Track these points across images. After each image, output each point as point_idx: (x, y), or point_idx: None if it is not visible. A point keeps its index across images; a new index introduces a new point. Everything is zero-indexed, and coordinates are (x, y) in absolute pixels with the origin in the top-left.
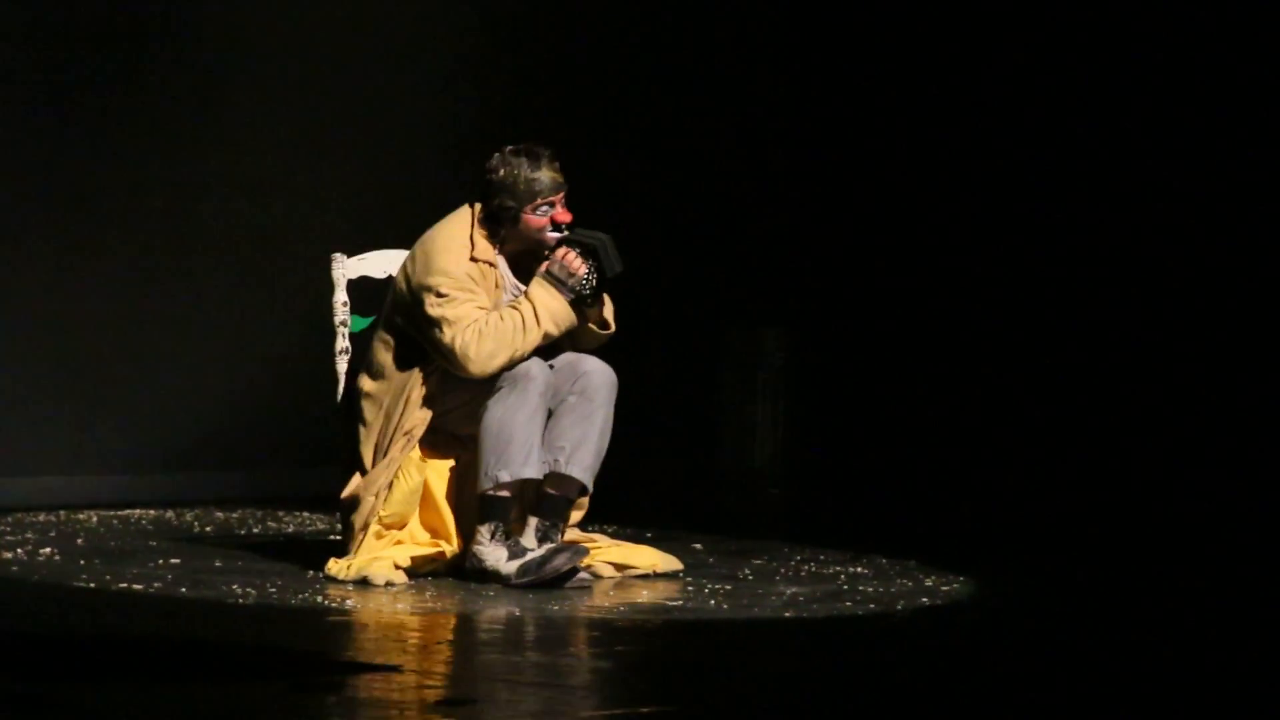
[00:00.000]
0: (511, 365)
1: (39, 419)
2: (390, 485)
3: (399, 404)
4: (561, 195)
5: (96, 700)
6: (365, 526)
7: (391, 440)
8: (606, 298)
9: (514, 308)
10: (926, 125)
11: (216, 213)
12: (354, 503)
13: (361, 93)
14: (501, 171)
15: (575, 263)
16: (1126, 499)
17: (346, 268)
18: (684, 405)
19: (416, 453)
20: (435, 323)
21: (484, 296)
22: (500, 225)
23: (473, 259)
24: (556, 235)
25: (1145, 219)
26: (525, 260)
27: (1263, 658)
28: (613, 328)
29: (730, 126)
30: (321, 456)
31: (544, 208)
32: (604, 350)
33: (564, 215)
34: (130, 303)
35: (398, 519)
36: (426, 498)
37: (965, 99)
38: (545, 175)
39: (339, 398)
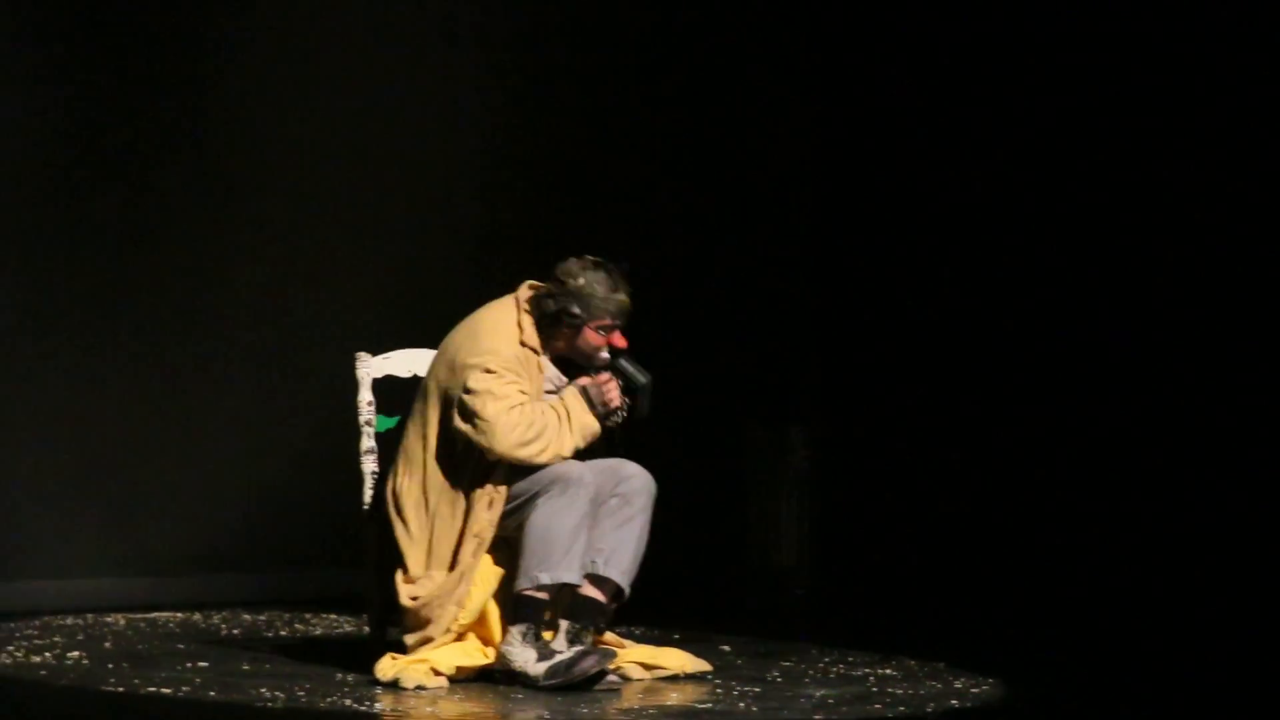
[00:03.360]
0: (530, 463)
1: (65, 521)
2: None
3: (456, 507)
4: (624, 320)
5: None
6: (447, 631)
7: (459, 545)
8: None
9: (553, 408)
10: (952, 218)
11: (240, 312)
12: (425, 610)
13: (387, 192)
14: (581, 280)
15: (613, 394)
16: (1161, 596)
17: (371, 367)
18: (709, 504)
19: (484, 558)
20: (477, 394)
21: (528, 383)
22: (555, 327)
23: (521, 343)
24: (606, 358)
25: (1198, 297)
26: (563, 364)
27: None
28: (619, 450)
29: (757, 220)
30: (348, 557)
31: (605, 329)
32: (633, 448)
33: (621, 341)
34: (155, 404)
35: (473, 627)
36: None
37: (991, 193)
38: (619, 298)
39: (366, 498)
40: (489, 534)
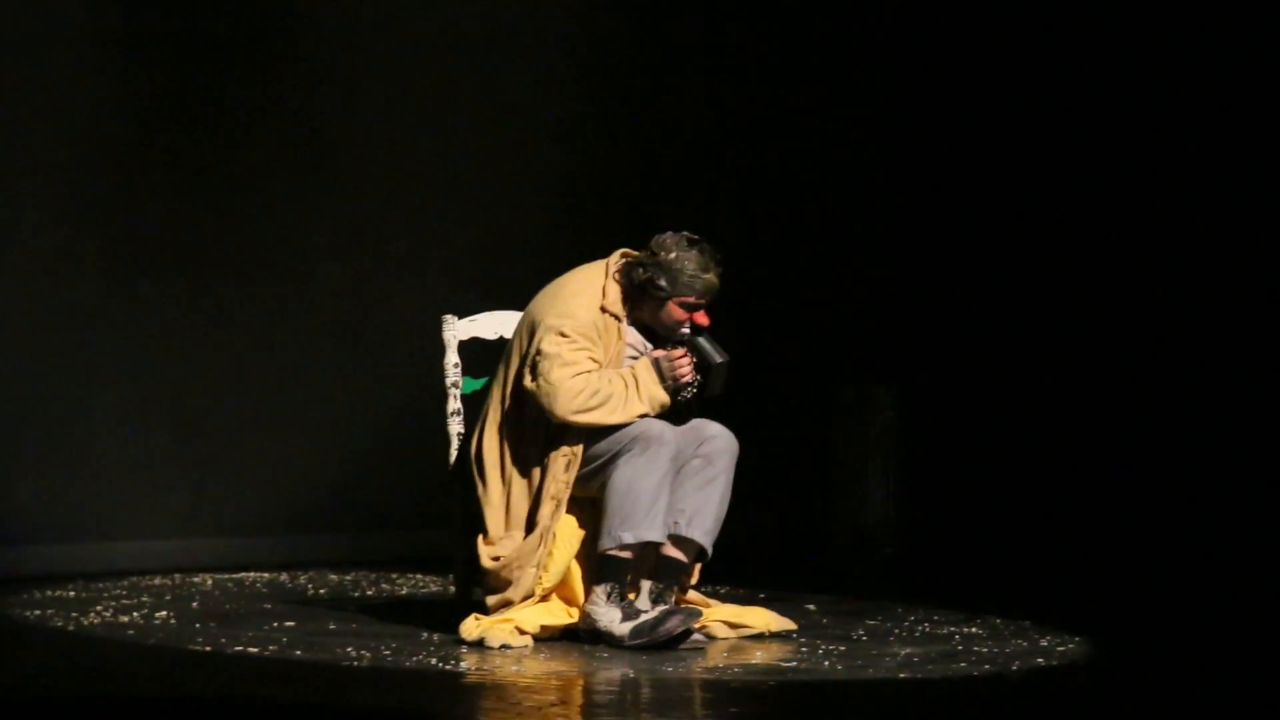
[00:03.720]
0: (596, 426)
1: (154, 482)
2: (551, 555)
3: (534, 469)
4: (709, 299)
5: None
6: (528, 596)
7: (537, 506)
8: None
9: (621, 376)
10: (1039, 186)
11: (329, 276)
12: (505, 572)
13: (474, 156)
14: (673, 254)
15: (685, 369)
16: (1247, 561)
17: (457, 329)
18: (796, 464)
19: (565, 518)
20: (546, 356)
21: (600, 350)
22: (641, 297)
23: (602, 309)
24: (686, 333)
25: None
26: (648, 333)
27: None
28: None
29: (847, 183)
30: (434, 518)
31: (689, 305)
32: (718, 408)
33: (703, 319)
34: (244, 366)
35: (557, 578)
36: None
37: (1080, 158)
38: (708, 278)
39: (452, 460)
40: (566, 494)
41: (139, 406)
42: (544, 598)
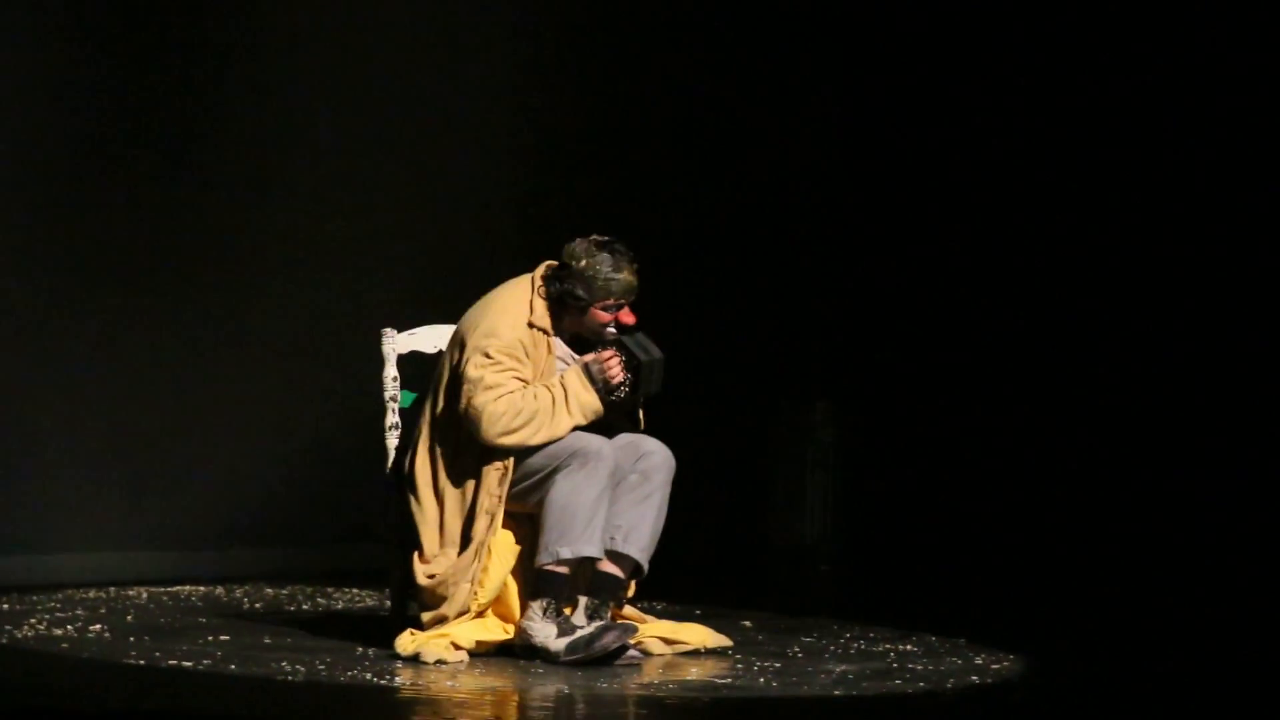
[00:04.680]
0: (525, 446)
1: (90, 494)
2: (485, 570)
3: (467, 483)
4: (630, 299)
5: None
6: (464, 613)
7: (471, 521)
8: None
9: (548, 389)
10: (980, 197)
11: (266, 288)
12: (440, 588)
13: (415, 170)
14: (584, 262)
15: (615, 370)
16: (1183, 577)
17: (396, 342)
18: (734, 480)
19: (501, 534)
20: (472, 381)
21: (528, 368)
22: (563, 308)
23: (530, 324)
24: (613, 333)
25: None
26: (580, 343)
27: None
28: (641, 427)
29: (789, 200)
30: (370, 533)
31: (611, 308)
32: (656, 423)
33: (628, 317)
34: (181, 378)
35: (492, 604)
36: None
37: (1024, 174)
38: (623, 278)
39: (388, 473)
40: (500, 509)
41: (75, 418)
42: (480, 613)
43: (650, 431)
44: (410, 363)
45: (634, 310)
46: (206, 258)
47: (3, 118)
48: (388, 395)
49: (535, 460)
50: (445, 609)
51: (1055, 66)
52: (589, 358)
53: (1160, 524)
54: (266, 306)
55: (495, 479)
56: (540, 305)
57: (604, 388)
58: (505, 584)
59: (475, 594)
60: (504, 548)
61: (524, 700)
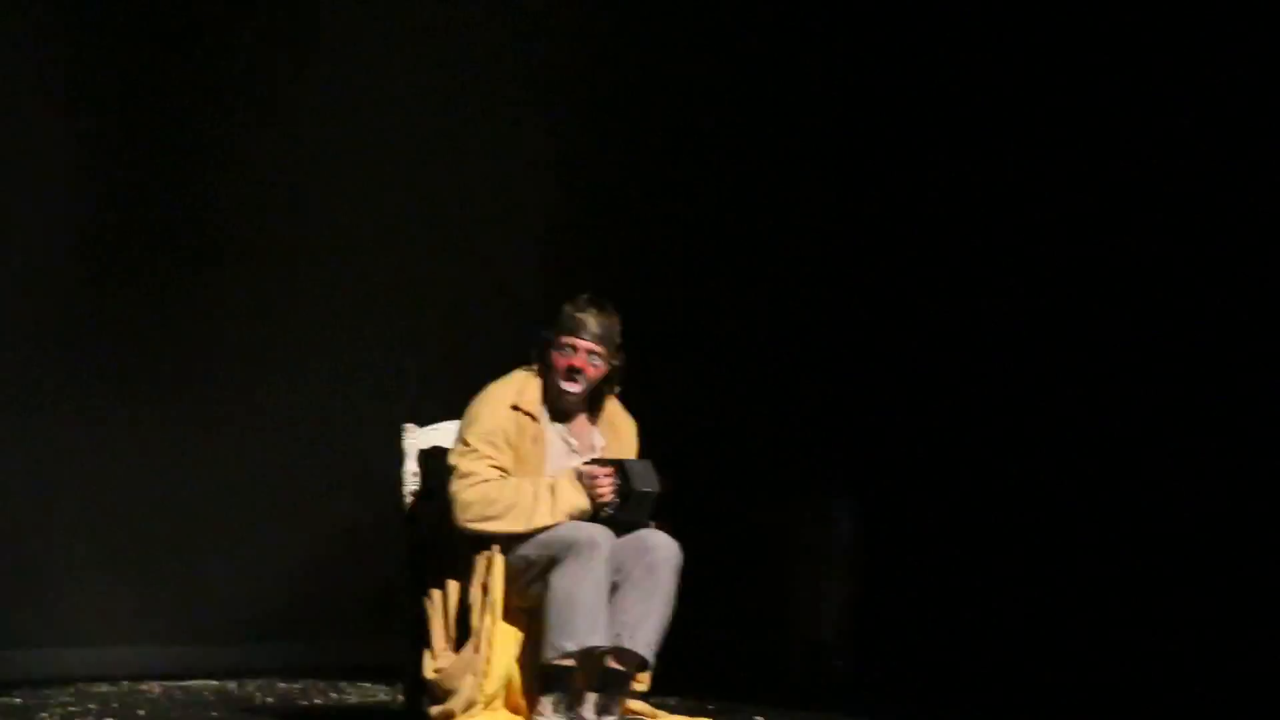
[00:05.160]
0: (499, 535)
1: (103, 588)
2: (488, 653)
3: (476, 577)
4: (590, 348)
5: None
6: (470, 706)
7: (477, 616)
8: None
9: (532, 484)
10: (992, 292)
11: (284, 381)
12: (446, 682)
13: (431, 263)
14: (560, 314)
15: (604, 488)
16: (1217, 667)
17: (417, 438)
18: (753, 576)
19: (500, 619)
20: (449, 469)
21: (507, 455)
22: (544, 364)
23: (514, 407)
24: (567, 389)
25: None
26: (583, 415)
27: None
28: (649, 524)
29: (804, 291)
30: (385, 627)
31: (567, 348)
32: (674, 513)
33: (580, 364)
34: (195, 470)
35: (502, 695)
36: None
37: (1029, 269)
38: (579, 314)
39: (404, 569)
40: (496, 600)
41: (88, 512)
42: (488, 705)
43: (667, 522)
44: (433, 458)
45: (613, 366)
46: (222, 350)
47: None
48: (407, 490)
49: (528, 551)
50: (452, 703)
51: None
52: (583, 468)
53: (1200, 619)
54: (284, 398)
55: (483, 568)
56: (532, 388)
57: (592, 501)
58: (513, 676)
59: (480, 686)
60: (508, 639)
61: None
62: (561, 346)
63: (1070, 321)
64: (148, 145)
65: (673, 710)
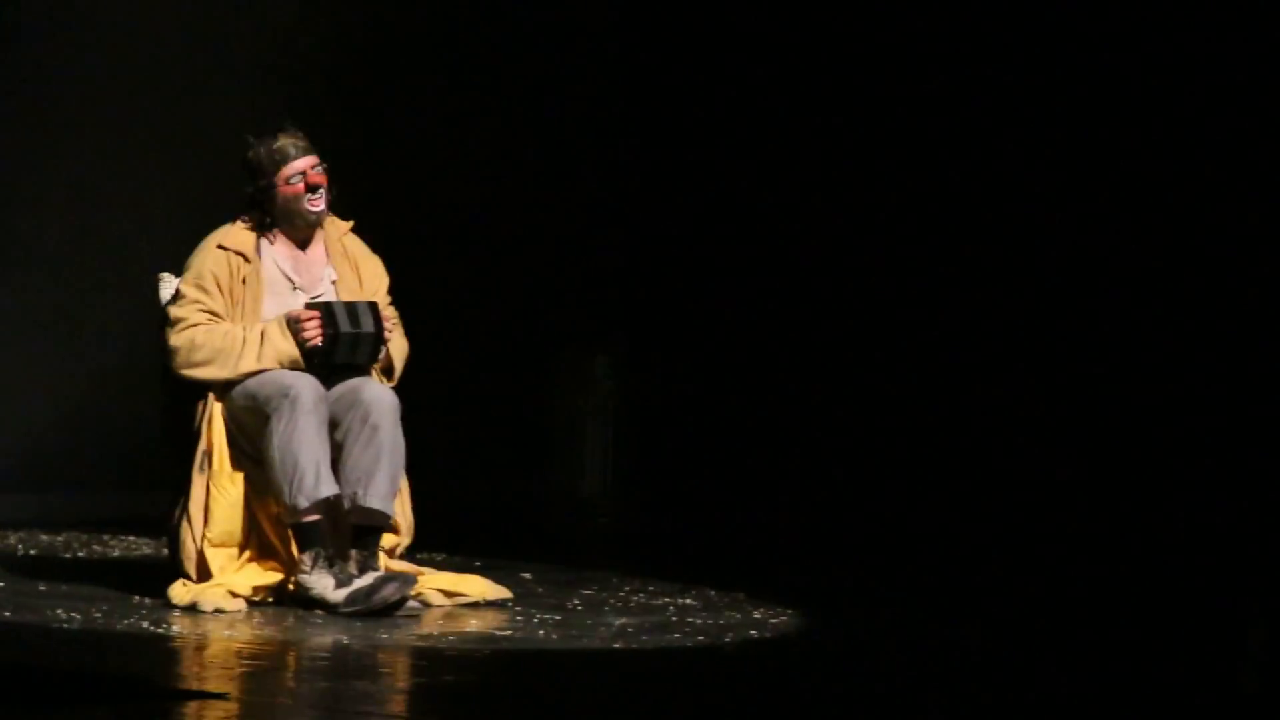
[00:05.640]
0: (209, 381)
1: None
2: (207, 504)
3: (197, 422)
4: (312, 162)
5: None
6: (198, 549)
7: (196, 469)
8: (394, 358)
9: (244, 331)
10: (761, 134)
11: (44, 226)
12: (179, 526)
13: (194, 109)
14: (249, 154)
15: (310, 332)
16: (954, 525)
17: (173, 286)
18: (513, 431)
19: (226, 467)
20: (167, 321)
21: (219, 299)
22: (265, 213)
23: (220, 246)
24: (317, 209)
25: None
26: (314, 250)
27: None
28: (395, 379)
29: (569, 144)
30: (148, 478)
31: (296, 176)
32: (434, 369)
33: (316, 178)
34: None
35: (227, 536)
36: (258, 516)
37: (799, 96)
38: (287, 143)
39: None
40: (216, 448)
41: None
42: (227, 564)
43: (430, 374)
44: None
45: (330, 182)
46: None
47: None
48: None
49: (242, 400)
50: (180, 542)
51: None
52: (290, 313)
53: (948, 483)
54: (43, 245)
55: (201, 416)
56: (239, 228)
57: (298, 345)
58: (266, 528)
59: (200, 545)
60: (232, 496)
61: (302, 650)
62: (286, 180)
63: (825, 159)
64: None
65: (440, 567)
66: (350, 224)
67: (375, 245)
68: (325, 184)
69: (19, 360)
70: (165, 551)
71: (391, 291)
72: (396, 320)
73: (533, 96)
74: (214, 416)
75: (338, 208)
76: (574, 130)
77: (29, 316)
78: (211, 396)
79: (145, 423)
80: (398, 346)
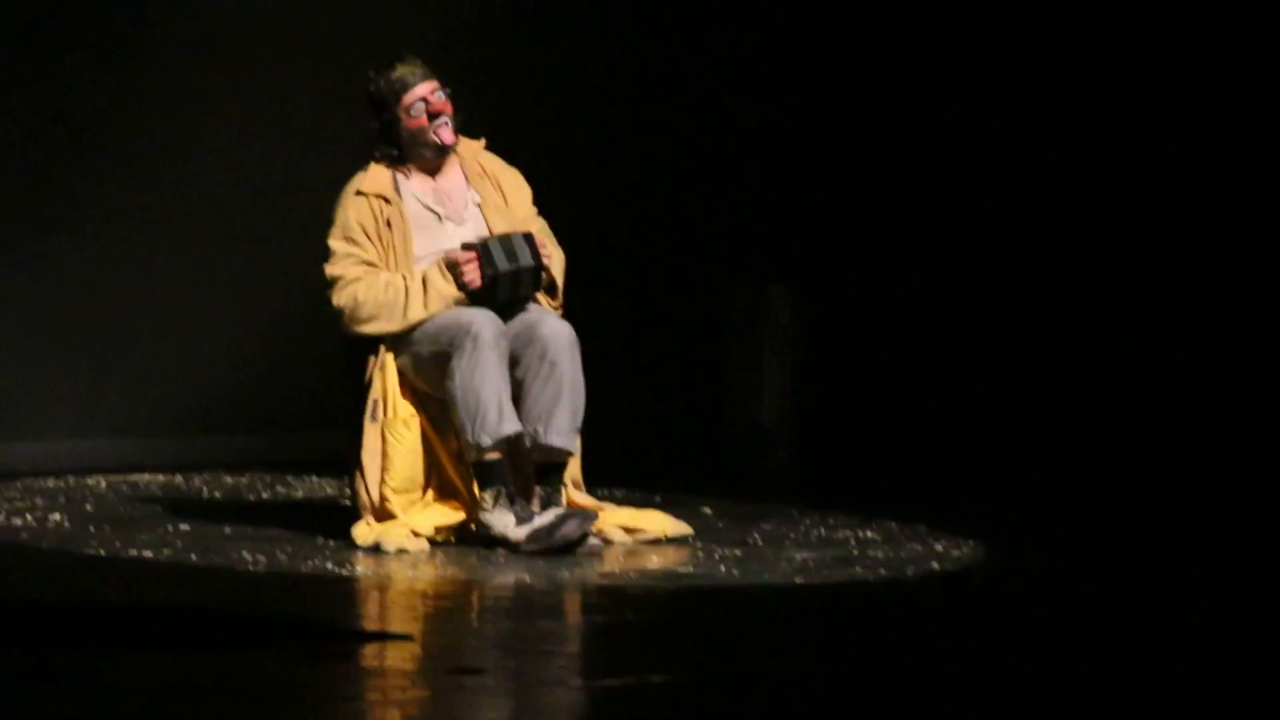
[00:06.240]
0: (383, 334)
1: (47, 382)
2: (385, 452)
3: (369, 372)
4: (432, 87)
5: (106, 668)
6: (377, 497)
7: (367, 418)
8: (555, 275)
9: (405, 280)
10: (937, 86)
11: (224, 173)
12: (354, 475)
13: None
14: (370, 89)
15: (470, 274)
16: (1139, 467)
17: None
18: (690, 365)
19: (405, 411)
20: (326, 283)
21: (372, 248)
22: (395, 148)
23: (358, 193)
24: (446, 138)
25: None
26: (452, 176)
27: (1267, 646)
28: (559, 294)
29: (741, 79)
30: (331, 419)
31: (418, 105)
32: (610, 308)
33: (439, 104)
34: (138, 265)
35: (408, 482)
36: (436, 455)
37: (977, 70)
38: (403, 71)
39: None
40: (389, 397)
41: (31, 306)
42: (410, 505)
43: (606, 312)
44: None
45: (452, 101)
46: (158, 144)
47: None
48: None
49: (418, 348)
50: (360, 487)
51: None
52: (449, 256)
53: (1126, 418)
54: (222, 191)
55: (381, 364)
56: (372, 170)
57: (460, 287)
58: (446, 469)
59: (378, 493)
60: (416, 433)
61: (484, 589)
62: (408, 111)
63: (1015, 118)
64: None
65: (620, 503)
66: (482, 141)
67: (552, 175)
68: (449, 110)
69: (201, 306)
70: (348, 491)
71: (545, 209)
72: (547, 230)
73: (705, 32)
74: (385, 365)
75: (472, 128)
76: (749, 56)
77: (210, 262)
78: (383, 347)
79: (326, 363)
80: (556, 260)
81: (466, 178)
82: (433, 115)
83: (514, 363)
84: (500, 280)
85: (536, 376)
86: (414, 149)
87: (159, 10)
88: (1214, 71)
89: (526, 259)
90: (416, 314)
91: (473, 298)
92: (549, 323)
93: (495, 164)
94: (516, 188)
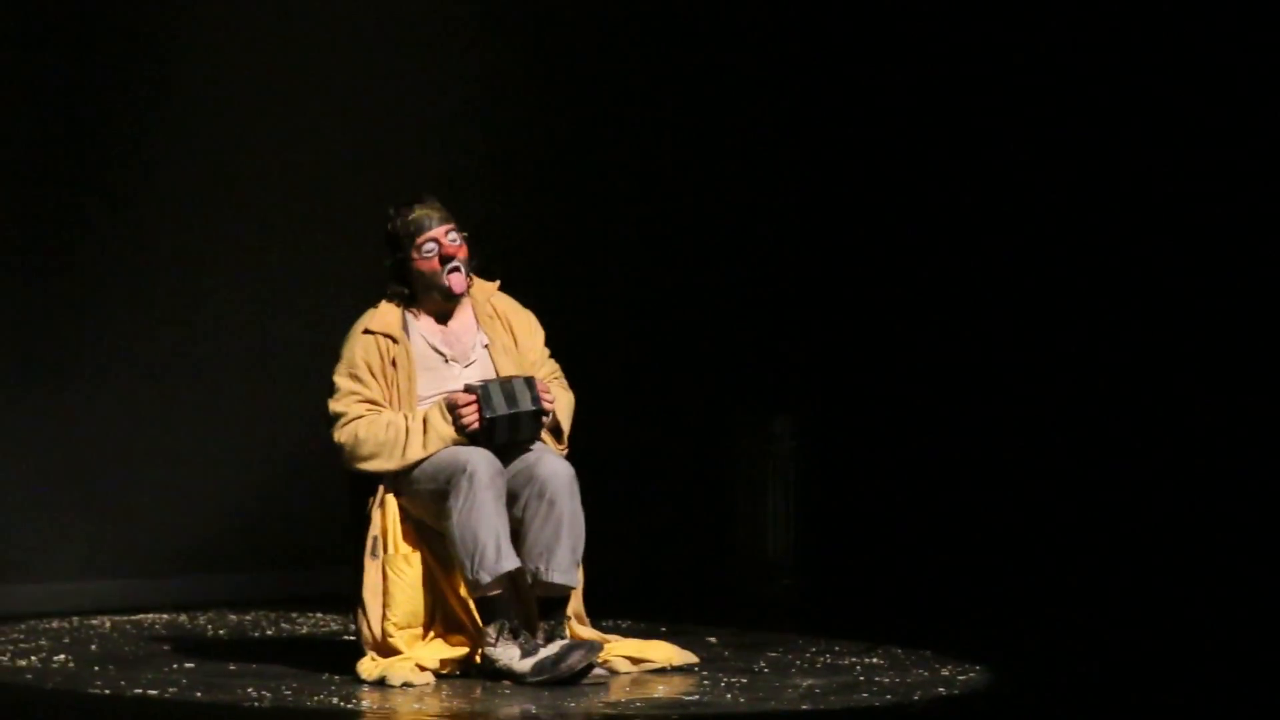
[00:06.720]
0: (381, 473)
1: (50, 524)
2: (386, 588)
3: (368, 509)
4: (446, 230)
5: None
6: (378, 633)
7: (367, 556)
8: (560, 418)
9: (405, 420)
10: (941, 206)
11: (225, 313)
12: (361, 608)
13: (372, 181)
14: (388, 226)
15: (469, 417)
16: (1143, 589)
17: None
18: (695, 494)
19: (405, 547)
20: (329, 418)
21: (375, 385)
22: (406, 285)
23: (366, 331)
24: (456, 285)
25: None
26: (462, 317)
27: None
28: (565, 437)
29: (744, 208)
30: (333, 556)
31: (430, 246)
32: (614, 438)
33: (451, 249)
34: (139, 404)
35: (410, 617)
36: (439, 590)
37: (979, 181)
38: (421, 212)
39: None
40: (388, 533)
41: (30, 447)
42: (414, 640)
43: (610, 443)
44: None
45: (469, 245)
46: (165, 279)
47: None
48: None
49: (418, 485)
50: (362, 623)
51: (1016, 72)
52: (450, 398)
53: (1129, 535)
54: (226, 331)
55: (379, 501)
56: (382, 309)
57: (458, 429)
58: (450, 604)
59: (380, 628)
60: (413, 572)
61: None
62: (421, 251)
63: (1015, 237)
64: (96, 72)
65: (625, 633)
66: (496, 283)
67: (551, 308)
68: (463, 255)
69: (202, 444)
70: (352, 627)
71: (551, 345)
72: (558, 373)
73: (709, 148)
74: (385, 502)
75: (488, 269)
76: (749, 184)
77: (211, 400)
78: (382, 485)
79: (329, 502)
80: (563, 402)
81: (477, 319)
82: (445, 259)
83: (513, 501)
84: (498, 423)
85: (536, 515)
86: (424, 290)
87: (166, 156)
88: (1214, 71)
89: (526, 403)
90: (415, 454)
91: (471, 439)
92: (548, 462)
93: (508, 305)
94: (528, 330)
